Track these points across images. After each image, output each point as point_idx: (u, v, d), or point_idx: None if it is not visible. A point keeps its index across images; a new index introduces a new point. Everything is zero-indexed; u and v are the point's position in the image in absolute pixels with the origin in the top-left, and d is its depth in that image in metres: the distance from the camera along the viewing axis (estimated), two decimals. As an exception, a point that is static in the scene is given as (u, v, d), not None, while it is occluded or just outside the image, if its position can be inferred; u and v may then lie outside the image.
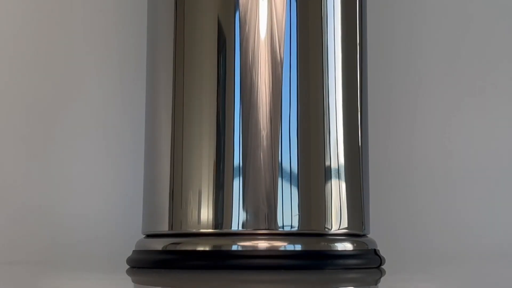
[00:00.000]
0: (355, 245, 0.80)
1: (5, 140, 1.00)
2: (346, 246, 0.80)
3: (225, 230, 0.77)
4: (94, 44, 1.03)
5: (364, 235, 0.83)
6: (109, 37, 1.03)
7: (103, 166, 1.01)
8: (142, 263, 0.81)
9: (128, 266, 0.82)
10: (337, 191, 0.80)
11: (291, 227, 0.77)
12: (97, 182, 1.01)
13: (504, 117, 1.08)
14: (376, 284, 0.74)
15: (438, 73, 1.08)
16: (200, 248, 0.77)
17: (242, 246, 0.76)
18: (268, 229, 0.77)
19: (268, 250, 0.77)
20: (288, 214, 0.77)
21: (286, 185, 0.77)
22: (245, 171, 0.77)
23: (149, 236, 0.82)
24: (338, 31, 0.81)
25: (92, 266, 0.91)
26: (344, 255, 0.80)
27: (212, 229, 0.77)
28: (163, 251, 0.79)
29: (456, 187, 1.06)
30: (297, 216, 0.77)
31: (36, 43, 1.02)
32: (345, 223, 0.80)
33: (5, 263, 0.96)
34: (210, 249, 0.77)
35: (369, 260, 0.81)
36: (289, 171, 0.77)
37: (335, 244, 0.79)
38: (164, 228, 0.80)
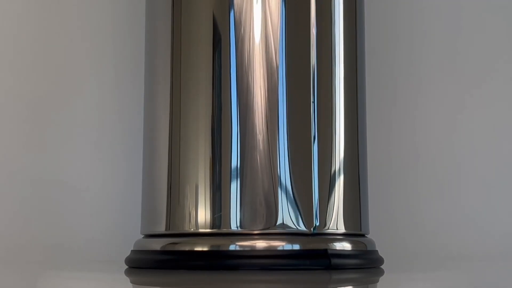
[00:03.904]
0: (353, 245, 0.80)
1: (2, 140, 1.00)
2: (344, 246, 0.80)
3: (223, 230, 0.77)
4: (92, 43, 1.03)
5: (363, 235, 0.83)
6: (107, 36, 1.03)
7: (102, 167, 1.02)
8: (140, 263, 0.81)
9: (126, 266, 0.82)
10: (336, 191, 0.79)
11: (290, 227, 0.77)
12: (95, 182, 1.01)
13: (505, 117, 1.08)
14: (374, 284, 0.74)
15: (439, 72, 1.08)
16: (198, 248, 0.77)
17: (240, 246, 0.76)
18: (266, 229, 0.77)
19: (266, 250, 0.76)
20: (287, 214, 0.77)
21: (284, 185, 0.77)
22: (243, 172, 0.77)
23: (147, 236, 0.82)
24: (339, 30, 0.81)
25: (91, 266, 0.91)
26: (342, 255, 0.79)
27: (210, 229, 0.77)
28: (162, 251, 0.79)
29: (456, 187, 1.06)
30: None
31: (33, 43, 1.02)
32: (344, 223, 0.80)
33: (5, 263, 0.96)
34: (208, 249, 0.77)
35: (367, 260, 0.81)
36: (287, 171, 0.77)
37: (334, 244, 0.79)
38: (162, 228, 0.80)
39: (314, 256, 0.77)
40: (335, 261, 0.77)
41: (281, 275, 0.75)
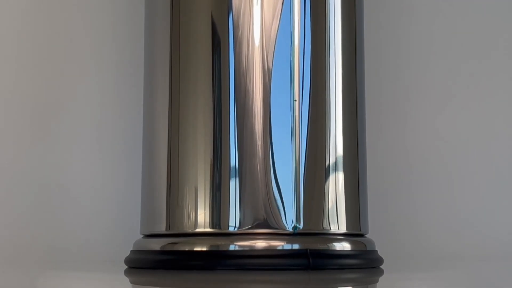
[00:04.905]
0: (353, 245, 0.80)
1: (3, 140, 1.00)
2: (344, 246, 0.80)
3: (222, 230, 0.77)
4: (92, 43, 1.03)
5: (362, 235, 0.83)
6: (107, 37, 1.03)
7: (102, 167, 1.02)
8: (140, 263, 0.81)
9: (126, 266, 0.82)
10: (335, 192, 0.80)
11: (289, 227, 0.77)
12: (95, 182, 1.01)
13: (500, 114, 1.08)
14: (374, 284, 0.74)
15: (436, 73, 1.08)
16: (198, 248, 0.77)
17: (240, 246, 0.77)
18: (265, 229, 0.77)
19: (265, 249, 0.77)
20: (286, 214, 0.77)
21: (284, 185, 0.77)
22: (242, 172, 0.77)
23: (147, 236, 0.83)
24: (335, 35, 0.81)
25: (91, 266, 0.91)
26: (342, 255, 0.80)
27: (210, 229, 0.77)
28: (161, 251, 0.79)
29: (454, 185, 1.06)
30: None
31: (34, 44, 1.02)
32: (343, 223, 0.80)
33: (5, 263, 0.96)
34: (207, 249, 0.77)
35: (367, 260, 0.81)
36: (286, 172, 0.77)
37: (333, 244, 0.79)
38: (162, 228, 0.80)
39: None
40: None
41: (281, 275, 0.75)
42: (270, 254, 0.76)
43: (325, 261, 0.77)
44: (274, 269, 0.76)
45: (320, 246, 0.77)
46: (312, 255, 0.76)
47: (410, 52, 1.08)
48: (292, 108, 0.78)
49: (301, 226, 0.77)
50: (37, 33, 1.02)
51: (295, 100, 0.78)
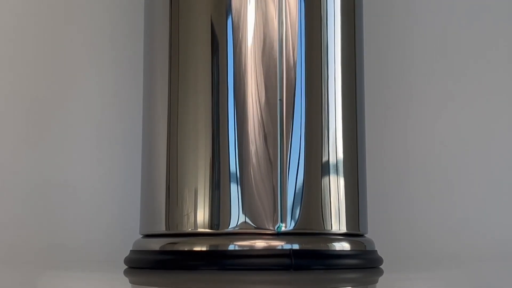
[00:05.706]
0: (353, 245, 0.80)
1: (3, 140, 1.00)
2: (344, 246, 0.80)
3: (222, 230, 0.77)
4: (92, 43, 1.03)
5: (362, 235, 0.83)
6: (107, 37, 1.03)
7: (102, 167, 1.02)
8: (139, 263, 0.81)
9: (125, 266, 0.83)
10: (335, 192, 0.80)
11: (289, 226, 0.77)
12: (95, 182, 1.01)
13: (500, 115, 1.08)
14: (374, 284, 0.74)
15: (434, 73, 1.08)
16: (197, 248, 0.77)
17: (239, 246, 0.77)
18: (265, 229, 0.77)
19: (265, 249, 0.77)
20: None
21: (283, 185, 0.77)
22: (242, 172, 0.77)
23: (146, 236, 0.83)
24: (335, 36, 0.81)
25: (91, 266, 0.91)
26: (342, 255, 0.80)
27: (209, 229, 0.77)
28: (160, 251, 0.79)
29: (453, 186, 1.06)
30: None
31: (33, 44, 1.02)
32: (343, 223, 0.80)
33: (5, 263, 0.96)
34: (207, 249, 0.77)
35: (367, 260, 0.81)
36: (286, 172, 0.77)
37: (333, 244, 0.79)
38: (162, 228, 0.80)
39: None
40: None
41: (280, 275, 0.75)
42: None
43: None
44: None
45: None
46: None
47: (410, 52, 1.08)
48: (287, 109, 0.78)
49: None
50: (36, 33, 1.03)
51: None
